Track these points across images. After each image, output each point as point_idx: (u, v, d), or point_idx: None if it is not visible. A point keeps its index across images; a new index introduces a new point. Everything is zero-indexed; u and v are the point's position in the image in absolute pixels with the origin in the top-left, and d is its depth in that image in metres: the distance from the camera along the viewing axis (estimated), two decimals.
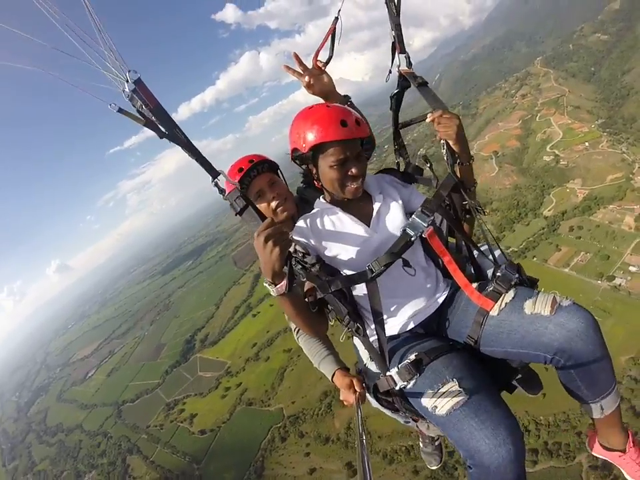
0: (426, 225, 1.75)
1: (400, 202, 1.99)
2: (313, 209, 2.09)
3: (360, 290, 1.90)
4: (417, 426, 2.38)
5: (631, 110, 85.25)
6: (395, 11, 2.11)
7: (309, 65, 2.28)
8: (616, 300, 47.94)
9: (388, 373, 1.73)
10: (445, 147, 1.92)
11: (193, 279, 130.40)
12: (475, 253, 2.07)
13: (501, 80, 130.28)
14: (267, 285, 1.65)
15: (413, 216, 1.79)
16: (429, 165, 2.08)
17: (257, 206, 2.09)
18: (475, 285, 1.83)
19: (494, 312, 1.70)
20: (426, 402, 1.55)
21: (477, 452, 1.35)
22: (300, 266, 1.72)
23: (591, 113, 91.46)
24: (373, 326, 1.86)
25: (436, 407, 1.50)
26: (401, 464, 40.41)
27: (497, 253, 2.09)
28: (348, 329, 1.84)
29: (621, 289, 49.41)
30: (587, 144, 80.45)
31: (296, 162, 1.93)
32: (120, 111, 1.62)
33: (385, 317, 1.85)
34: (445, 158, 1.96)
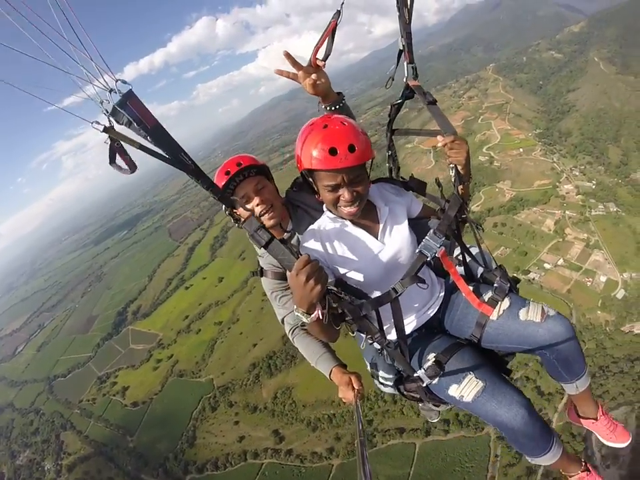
0: (439, 246, 1.84)
1: (405, 212, 2.13)
2: (305, 212, 2.36)
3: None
4: (421, 407, 2.72)
5: (568, 125, 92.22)
6: (406, 18, 2.09)
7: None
8: (528, 292, 52.53)
9: (415, 375, 1.96)
10: (454, 170, 1.98)
11: (126, 250, 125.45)
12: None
13: (452, 80, 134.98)
14: (299, 314, 1.64)
15: (427, 237, 1.85)
16: (440, 188, 2.14)
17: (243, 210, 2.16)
18: (471, 287, 2.12)
19: (493, 317, 2.04)
20: (453, 392, 1.89)
21: (501, 423, 1.80)
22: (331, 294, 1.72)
23: (531, 122, 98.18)
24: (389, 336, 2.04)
25: (462, 396, 1.86)
26: (324, 431, 42.83)
27: (474, 251, 2.34)
28: (377, 343, 1.93)
29: (534, 283, 54.74)
30: (521, 150, 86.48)
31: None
32: (107, 130, 1.37)
33: (393, 326, 1.97)
34: (452, 180, 2.01)
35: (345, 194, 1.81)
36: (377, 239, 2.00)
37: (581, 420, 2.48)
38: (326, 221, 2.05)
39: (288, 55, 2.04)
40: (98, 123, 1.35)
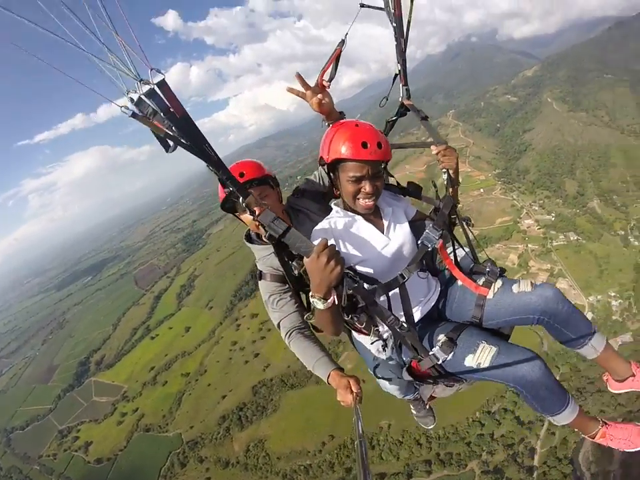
0: (437, 238, 2.09)
1: (403, 214, 2.34)
2: (306, 217, 2.48)
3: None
4: (420, 394, 2.85)
5: (526, 163, 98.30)
6: (402, 47, 2.43)
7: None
8: None
9: (431, 353, 2.05)
10: (447, 174, 2.28)
11: (90, 297, 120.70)
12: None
13: (415, 127, 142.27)
14: (316, 299, 1.73)
15: (427, 230, 2.11)
16: (436, 189, 2.38)
17: (244, 216, 2.37)
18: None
19: (489, 296, 2.22)
20: (469, 362, 1.99)
21: (521, 377, 1.90)
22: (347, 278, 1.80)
23: (490, 163, 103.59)
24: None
25: (479, 363, 1.96)
26: None
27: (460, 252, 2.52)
28: (389, 327, 2.00)
29: None
30: (482, 190, 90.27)
31: (322, 167, 2.18)
32: (135, 116, 1.36)
33: (401, 312, 2.08)
34: (445, 183, 2.29)
35: (366, 186, 2.00)
36: (383, 233, 2.20)
37: (622, 384, 2.45)
38: (336, 217, 2.19)
39: (299, 76, 2.25)
40: (127, 108, 1.36)
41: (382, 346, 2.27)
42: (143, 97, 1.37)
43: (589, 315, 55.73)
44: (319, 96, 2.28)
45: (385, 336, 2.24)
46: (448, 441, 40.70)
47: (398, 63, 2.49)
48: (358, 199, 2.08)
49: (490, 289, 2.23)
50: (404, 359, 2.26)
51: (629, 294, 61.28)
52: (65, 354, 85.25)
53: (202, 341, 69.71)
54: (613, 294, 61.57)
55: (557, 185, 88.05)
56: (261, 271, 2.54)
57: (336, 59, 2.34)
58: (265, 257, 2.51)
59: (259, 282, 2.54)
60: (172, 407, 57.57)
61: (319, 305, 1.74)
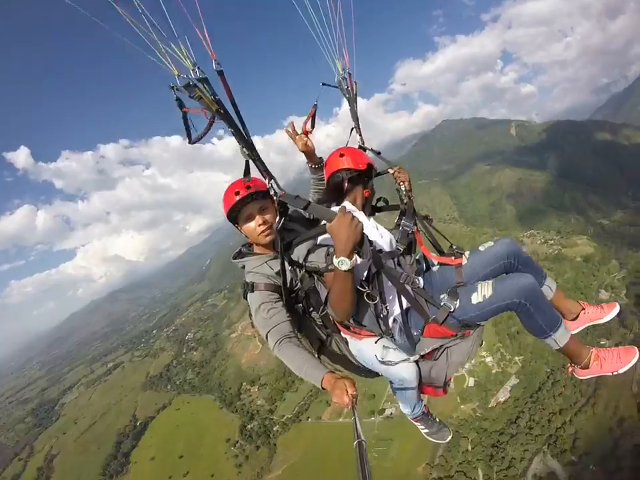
0: (413, 226, 2.80)
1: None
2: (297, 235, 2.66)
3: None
4: (428, 434, 3.13)
5: None
6: (355, 111, 3.27)
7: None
8: (392, 426, 58.36)
9: (442, 304, 2.39)
10: (404, 188, 2.98)
11: None
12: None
13: None
14: (342, 259, 2.02)
15: (404, 220, 2.83)
16: (400, 195, 3.05)
17: (245, 226, 2.64)
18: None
19: (464, 262, 2.74)
20: (476, 299, 2.34)
21: (523, 287, 2.25)
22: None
23: None
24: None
25: (484, 295, 2.32)
26: None
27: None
28: (404, 286, 2.43)
29: (393, 417, 59.93)
30: None
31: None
32: (188, 87, 1.79)
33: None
34: (404, 193, 2.99)
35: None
36: (377, 230, 2.73)
37: (577, 321, 2.86)
38: (349, 208, 2.64)
39: (292, 124, 3.05)
40: (180, 79, 1.79)
41: (393, 330, 2.53)
42: (200, 81, 1.81)
43: (472, 381, 63.15)
44: (304, 138, 3.02)
45: (395, 313, 2.54)
46: None
47: (354, 119, 3.30)
48: (368, 199, 2.84)
49: (463, 256, 2.78)
50: (414, 333, 2.50)
51: (497, 347, 67.97)
52: None
53: None
54: (483, 353, 66.06)
55: None
56: (252, 283, 2.59)
57: (312, 116, 3.05)
58: (257, 267, 2.67)
59: (249, 294, 2.59)
60: None
61: (344, 264, 2.03)
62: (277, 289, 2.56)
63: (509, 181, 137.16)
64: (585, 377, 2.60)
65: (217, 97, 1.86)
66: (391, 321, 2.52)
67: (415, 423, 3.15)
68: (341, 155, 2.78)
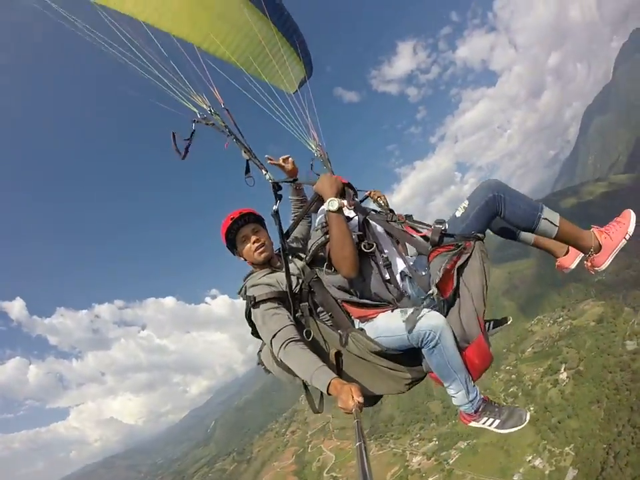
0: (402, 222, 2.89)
1: None
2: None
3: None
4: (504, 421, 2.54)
5: (388, 412, 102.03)
6: (331, 169, 3.77)
7: None
8: None
9: (432, 227, 2.53)
10: (381, 202, 3.13)
11: None
12: None
13: (272, 421, 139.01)
14: (331, 202, 2.45)
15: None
16: (379, 205, 3.20)
17: (242, 247, 2.89)
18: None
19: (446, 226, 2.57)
20: (458, 212, 2.49)
21: (488, 186, 2.40)
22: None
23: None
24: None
25: (464, 206, 2.48)
26: None
27: None
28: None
29: None
30: None
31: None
32: (204, 119, 3.35)
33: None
34: (381, 206, 3.12)
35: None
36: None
37: (569, 256, 2.88)
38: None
39: (270, 157, 3.36)
40: (197, 116, 3.35)
41: (405, 287, 2.54)
42: (209, 117, 3.35)
43: None
44: (290, 160, 3.44)
45: (399, 267, 2.59)
46: None
47: (326, 155, 3.91)
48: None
49: (445, 223, 2.57)
50: (422, 273, 2.51)
51: (542, 445, 61.87)
52: None
53: None
54: (529, 458, 60.76)
55: (424, 412, 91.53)
56: (254, 296, 2.61)
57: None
58: (261, 278, 2.77)
59: (253, 311, 2.60)
60: None
61: (333, 204, 2.44)
62: (280, 294, 2.62)
63: (500, 279, 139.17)
64: (606, 261, 2.49)
65: (225, 123, 3.29)
66: (398, 278, 2.57)
67: (480, 421, 2.58)
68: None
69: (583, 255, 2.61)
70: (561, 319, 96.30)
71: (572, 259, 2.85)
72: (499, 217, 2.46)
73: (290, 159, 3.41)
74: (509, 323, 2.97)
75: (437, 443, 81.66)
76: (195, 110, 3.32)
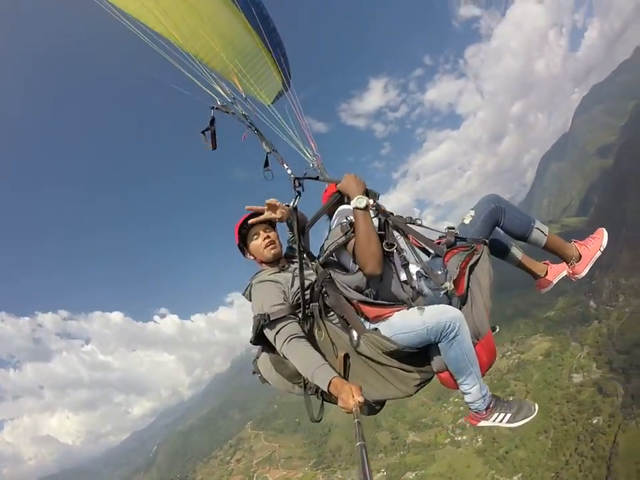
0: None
1: None
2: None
3: None
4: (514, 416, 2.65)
5: (335, 442, 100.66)
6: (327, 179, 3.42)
7: None
8: None
9: (446, 229, 2.81)
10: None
11: None
12: None
13: (217, 448, 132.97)
14: (359, 199, 2.53)
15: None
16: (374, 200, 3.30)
17: (252, 243, 2.92)
18: None
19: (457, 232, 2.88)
20: (467, 220, 2.79)
21: (489, 198, 2.82)
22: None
23: (302, 457, 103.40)
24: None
25: (471, 215, 2.80)
26: None
27: None
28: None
29: None
30: None
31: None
32: (224, 107, 3.47)
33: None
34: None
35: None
36: None
37: (547, 279, 3.17)
38: (347, 207, 2.96)
39: (250, 207, 3.07)
40: (216, 104, 3.44)
41: (421, 287, 2.61)
42: (228, 107, 3.49)
43: None
44: (279, 213, 2.92)
45: (416, 267, 2.72)
46: None
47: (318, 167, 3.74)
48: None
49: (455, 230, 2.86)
50: (439, 272, 2.61)
51: (490, 475, 63.04)
52: None
53: None
54: None
55: (372, 443, 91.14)
56: (268, 317, 2.46)
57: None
58: (269, 275, 2.75)
59: (266, 332, 2.52)
60: None
61: (361, 202, 2.52)
62: (290, 309, 2.56)
63: None
64: (585, 268, 2.92)
65: (245, 113, 3.42)
66: (415, 278, 2.65)
67: (491, 419, 2.66)
68: (336, 184, 2.98)
69: (563, 273, 3.05)
70: (509, 352, 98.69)
71: (553, 277, 3.14)
72: (498, 227, 2.81)
73: (277, 203, 2.83)
74: (496, 331, 2.94)
75: (384, 473, 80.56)
76: (215, 97, 3.41)
